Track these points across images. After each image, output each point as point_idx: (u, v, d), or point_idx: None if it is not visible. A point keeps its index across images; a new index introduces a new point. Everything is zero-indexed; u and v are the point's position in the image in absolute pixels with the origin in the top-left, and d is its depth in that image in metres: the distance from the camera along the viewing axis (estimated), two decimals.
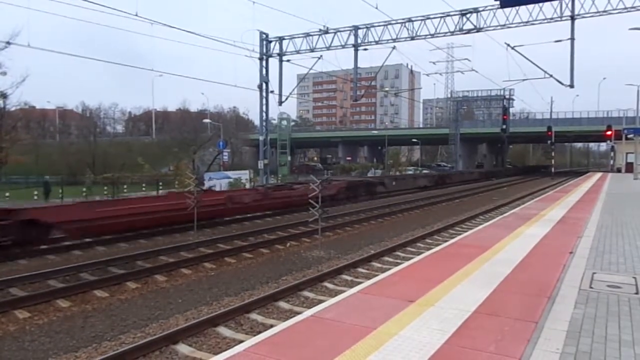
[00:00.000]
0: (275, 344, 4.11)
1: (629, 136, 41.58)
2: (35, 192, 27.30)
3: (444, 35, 25.23)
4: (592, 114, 61.50)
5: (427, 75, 53.86)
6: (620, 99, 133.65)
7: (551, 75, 24.55)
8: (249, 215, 18.53)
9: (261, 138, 29.25)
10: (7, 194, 25.63)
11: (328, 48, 27.25)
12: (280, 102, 29.58)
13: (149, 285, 9.07)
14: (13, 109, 41.74)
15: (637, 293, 5.58)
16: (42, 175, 44.35)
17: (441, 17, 24.73)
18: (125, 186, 33.52)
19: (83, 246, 12.38)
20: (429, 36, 25.20)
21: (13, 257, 10.96)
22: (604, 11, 22.00)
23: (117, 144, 61.55)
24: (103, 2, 15.58)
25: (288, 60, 28.65)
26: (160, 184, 33.75)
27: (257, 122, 36.67)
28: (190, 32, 20.67)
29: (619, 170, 47.92)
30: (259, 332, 5.40)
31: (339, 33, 26.92)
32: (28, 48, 19.01)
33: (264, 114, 28.94)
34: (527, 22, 22.97)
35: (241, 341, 5.28)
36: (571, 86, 23.28)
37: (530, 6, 22.72)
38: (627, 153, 46.38)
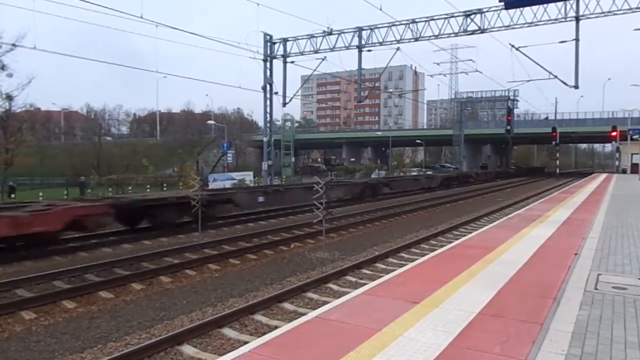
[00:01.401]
0: (280, 345, 4.12)
1: (634, 137, 41.46)
2: (41, 194, 27.44)
3: (448, 36, 25.28)
4: (596, 114, 61.28)
5: (431, 76, 53.91)
6: (625, 99, 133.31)
7: (556, 76, 24.49)
8: (252, 216, 17.93)
9: (265, 139, 29.34)
10: (12, 195, 25.78)
11: (332, 49, 27.33)
12: (284, 104, 29.70)
13: (153, 286, 9.09)
14: (19, 110, 41.97)
15: None
16: (48, 176, 44.57)
17: (445, 18, 24.74)
18: (129, 187, 33.69)
19: (88, 247, 12.44)
20: (433, 37, 25.22)
21: (20, 258, 11.02)
22: (609, 12, 21.96)
23: (122, 145, 61.80)
24: (108, 5, 15.73)
25: (292, 62, 28.74)
26: (165, 185, 33.88)
27: (261, 123, 36.81)
28: (194, 34, 20.82)
29: (624, 171, 47.64)
30: (264, 334, 5.43)
31: (342, 34, 26.98)
32: (33, 50, 19.09)
33: (268, 115, 29.04)
34: (531, 23, 22.96)
35: (246, 342, 5.30)
36: (576, 87, 23.24)
37: (535, 7, 22.73)
38: (632, 154, 46.20)
